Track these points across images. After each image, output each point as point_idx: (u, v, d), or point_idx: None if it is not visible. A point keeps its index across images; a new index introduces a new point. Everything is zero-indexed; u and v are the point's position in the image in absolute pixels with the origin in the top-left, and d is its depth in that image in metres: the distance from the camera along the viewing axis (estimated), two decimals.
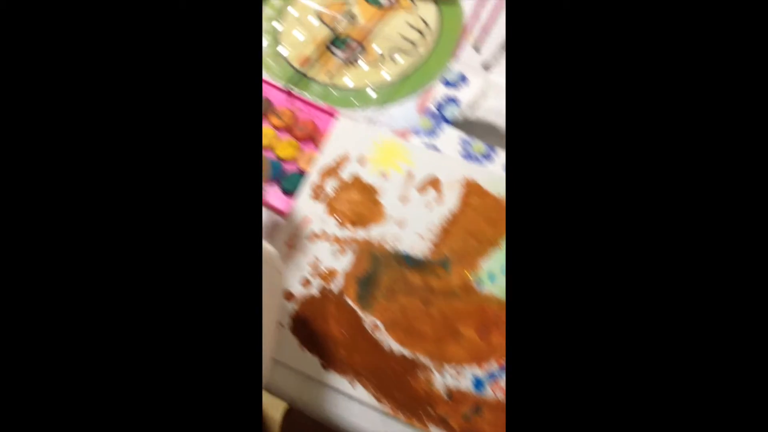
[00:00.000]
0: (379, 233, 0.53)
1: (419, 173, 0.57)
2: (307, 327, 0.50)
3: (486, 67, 0.66)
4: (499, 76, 0.64)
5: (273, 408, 0.89)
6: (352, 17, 0.73)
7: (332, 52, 0.71)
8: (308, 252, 0.53)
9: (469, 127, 0.61)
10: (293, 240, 0.54)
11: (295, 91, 0.67)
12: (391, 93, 0.66)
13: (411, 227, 0.53)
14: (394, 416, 0.46)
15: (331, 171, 0.57)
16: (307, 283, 0.52)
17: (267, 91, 0.67)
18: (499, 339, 0.48)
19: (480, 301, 0.49)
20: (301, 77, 0.68)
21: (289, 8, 0.76)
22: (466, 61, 0.67)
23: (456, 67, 0.66)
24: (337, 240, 0.53)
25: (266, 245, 0.42)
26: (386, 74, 0.68)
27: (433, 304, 0.49)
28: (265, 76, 0.68)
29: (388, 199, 0.55)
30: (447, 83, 0.66)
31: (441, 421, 0.46)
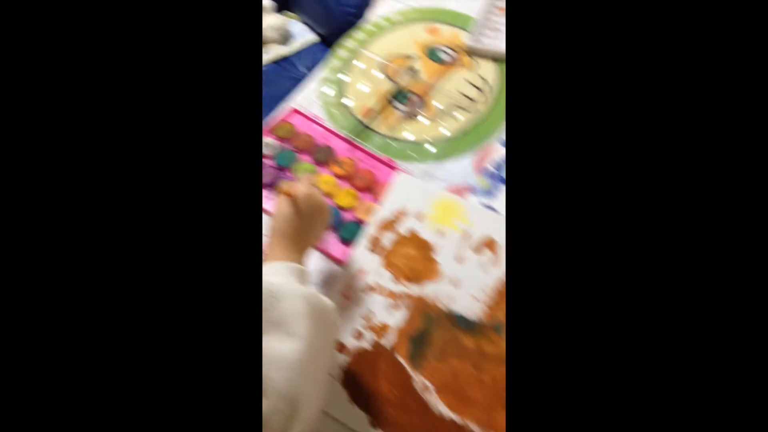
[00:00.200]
0: (433, 291, 0.54)
1: (475, 233, 0.57)
2: (357, 381, 0.50)
3: None
4: None
5: None
6: (414, 72, 0.76)
7: (394, 106, 0.73)
8: (362, 304, 0.54)
9: None
10: (348, 291, 0.55)
11: (357, 141, 0.69)
12: (449, 149, 0.68)
13: (465, 288, 0.54)
14: None
15: (389, 224, 0.59)
16: (359, 335, 0.52)
17: (330, 140, 0.70)
18: None
19: None
20: (363, 128, 0.70)
21: (355, 61, 0.79)
22: None
23: None
24: (392, 294, 0.54)
25: (325, 299, 0.43)
26: (445, 130, 0.70)
27: (486, 370, 0.49)
28: (329, 125, 0.71)
29: (443, 257, 0.56)
30: (505, 143, 0.67)
31: None
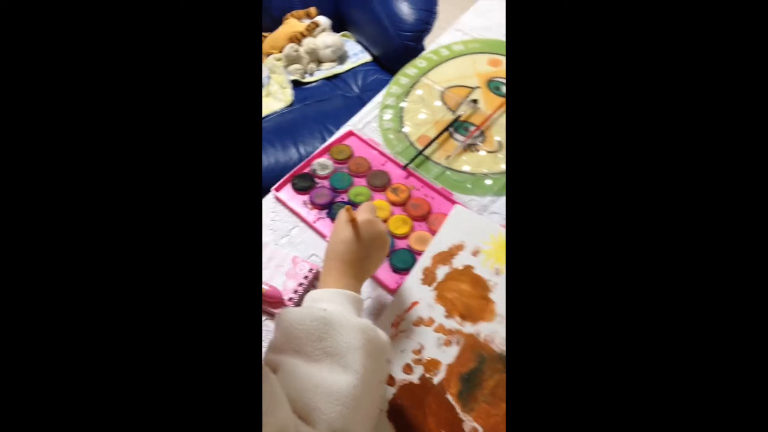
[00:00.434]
0: (487, 331, 0.52)
1: None
2: (403, 416, 0.49)
3: None
4: None
5: None
6: (474, 103, 0.76)
7: (452, 136, 0.73)
8: (413, 337, 0.53)
9: None
10: (399, 322, 0.54)
11: (413, 169, 0.69)
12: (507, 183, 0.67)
13: None
14: None
15: (444, 257, 0.58)
16: (408, 369, 0.51)
17: (386, 165, 0.70)
18: None
19: None
20: (420, 156, 0.70)
21: (416, 89, 0.80)
22: None
23: None
24: (444, 330, 0.53)
25: (381, 332, 0.42)
26: (504, 164, 0.69)
27: None
28: (386, 150, 0.71)
29: (498, 296, 0.54)
30: None
31: None
